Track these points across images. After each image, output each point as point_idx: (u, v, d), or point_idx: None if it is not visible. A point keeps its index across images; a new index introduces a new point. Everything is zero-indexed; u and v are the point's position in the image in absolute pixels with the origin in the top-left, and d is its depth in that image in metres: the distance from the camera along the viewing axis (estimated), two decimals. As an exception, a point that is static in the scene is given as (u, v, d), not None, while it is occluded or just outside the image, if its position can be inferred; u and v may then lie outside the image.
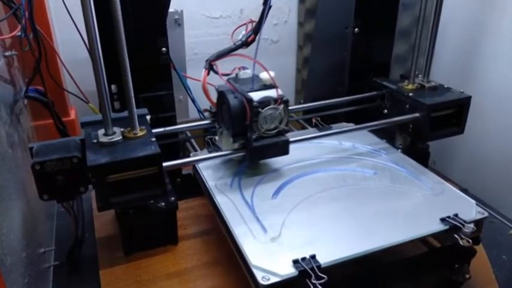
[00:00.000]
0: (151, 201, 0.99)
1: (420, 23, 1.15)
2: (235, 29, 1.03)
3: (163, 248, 1.04)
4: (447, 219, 0.86)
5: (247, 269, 0.79)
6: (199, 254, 1.03)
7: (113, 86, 1.01)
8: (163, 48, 1.05)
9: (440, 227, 0.85)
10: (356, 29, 1.25)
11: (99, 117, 0.91)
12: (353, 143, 1.19)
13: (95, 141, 0.86)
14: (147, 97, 1.06)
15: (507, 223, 1.19)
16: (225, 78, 1.00)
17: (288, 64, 1.91)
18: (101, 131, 0.88)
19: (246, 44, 1.01)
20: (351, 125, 1.25)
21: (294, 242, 0.82)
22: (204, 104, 1.26)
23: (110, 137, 0.86)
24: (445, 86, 1.20)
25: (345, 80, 1.31)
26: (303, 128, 1.35)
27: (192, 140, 1.23)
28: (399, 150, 1.18)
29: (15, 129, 0.93)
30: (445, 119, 1.15)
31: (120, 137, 0.87)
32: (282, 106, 0.96)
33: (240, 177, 1.04)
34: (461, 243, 0.83)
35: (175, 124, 1.11)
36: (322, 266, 0.75)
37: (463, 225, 0.85)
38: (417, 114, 1.12)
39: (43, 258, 0.98)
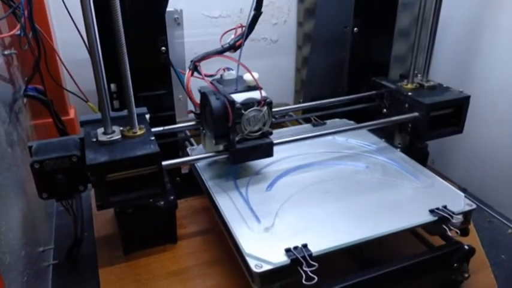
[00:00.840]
0: (151, 200, 0.99)
1: (419, 22, 1.15)
2: (225, 33, 1.03)
3: (163, 247, 1.05)
4: (436, 210, 0.89)
5: (241, 258, 0.81)
6: (198, 253, 1.03)
7: (112, 85, 1.01)
8: (163, 48, 1.05)
9: (429, 217, 0.88)
10: (355, 29, 1.25)
11: (98, 116, 0.91)
12: (346, 138, 1.21)
13: (94, 140, 0.87)
14: (147, 96, 1.06)
15: (506, 222, 1.19)
16: (209, 79, 1.00)
17: (287, 64, 1.91)
18: (100, 130, 0.88)
19: (233, 47, 1.01)
20: (345, 120, 1.25)
21: (286, 231, 0.84)
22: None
23: (109, 136, 0.86)
24: (444, 86, 1.20)
25: (344, 80, 1.32)
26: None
27: (192, 139, 1.23)
28: (398, 150, 1.18)
29: (14, 128, 0.92)
30: (444, 118, 1.15)
31: (120, 136, 0.87)
32: (265, 108, 0.95)
33: (235, 171, 1.05)
34: (450, 234, 0.86)
35: (175, 123, 1.11)
36: (314, 254, 0.77)
37: (452, 217, 0.87)
38: (416, 114, 1.13)
39: (42, 257, 0.98)
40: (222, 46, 1.02)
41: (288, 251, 0.77)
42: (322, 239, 0.81)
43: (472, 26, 1.34)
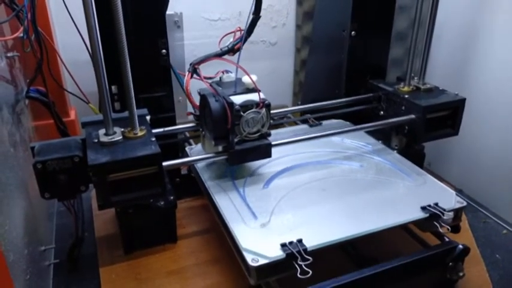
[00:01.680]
0: (151, 200, 1.01)
1: (416, 26, 1.17)
2: (224, 36, 1.05)
3: (163, 247, 1.06)
4: (427, 207, 0.91)
5: (238, 252, 0.83)
6: (197, 253, 1.04)
7: (113, 87, 1.03)
8: (163, 50, 1.06)
9: (421, 214, 0.90)
10: (353, 32, 1.26)
11: (99, 117, 0.92)
12: (341, 138, 1.23)
13: (96, 140, 0.88)
14: (147, 98, 1.08)
15: (501, 223, 1.21)
16: (208, 81, 1.01)
17: (286, 66, 1.93)
18: (102, 131, 0.90)
19: (232, 50, 1.03)
20: (341, 121, 1.27)
21: (282, 227, 0.87)
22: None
23: (110, 137, 0.88)
24: (440, 88, 1.22)
25: (342, 82, 1.33)
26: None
27: (191, 141, 1.25)
28: (395, 151, 1.19)
29: (16, 129, 0.94)
30: (440, 120, 1.17)
31: (121, 137, 0.88)
32: (264, 110, 0.97)
33: (233, 169, 1.07)
34: (441, 231, 0.89)
35: (175, 124, 1.13)
36: (308, 249, 0.79)
37: (443, 214, 0.90)
38: (413, 116, 1.14)
39: (43, 256, 0.99)
40: (221, 49, 1.04)
41: (283, 245, 0.80)
42: (317, 235, 0.83)
43: (467, 30, 1.36)
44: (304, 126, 1.31)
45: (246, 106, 0.95)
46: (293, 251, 0.78)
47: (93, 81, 1.13)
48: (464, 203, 0.94)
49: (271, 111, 1.20)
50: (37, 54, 1.01)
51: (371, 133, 1.26)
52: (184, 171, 1.23)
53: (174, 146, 1.16)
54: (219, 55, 1.03)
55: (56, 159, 0.84)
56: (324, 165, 1.10)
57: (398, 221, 0.89)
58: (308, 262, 0.77)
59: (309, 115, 1.34)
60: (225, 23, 1.69)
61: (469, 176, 1.40)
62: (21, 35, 0.94)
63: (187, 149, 1.17)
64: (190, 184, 1.19)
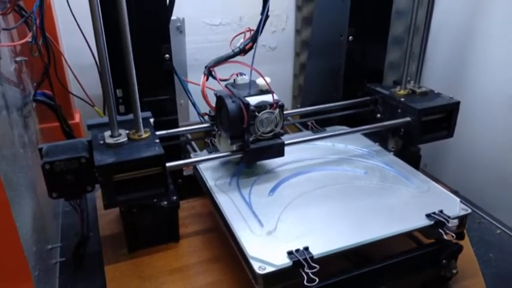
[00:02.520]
0: (155, 200, 1.03)
1: (411, 31, 1.20)
2: (234, 37, 1.08)
3: (165, 246, 1.09)
4: (432, 215, 0.92)
5: (245, 260, 0.83)
6: (199, 251, 1.07)
7: (118, 91, 1.06)
8: (167, 55, 1.09)
9: (426, 222, 0.91)
10: (350, 37, 1.30)
11: (104, 119, 0.96)
12: (345, 145, 1.25)
13: (102, 142, 0.91)
14: (151, 101, 1.11)
15: (495, 223, 1.23)
16: (223, 83, 1.05)
17: (285, 70, 1.96)
18: (107, 133, 0.92)
19: (243, 51, 1.06)
20: (344, 128, 1.30)
21: (288, 235, 0.87)
22: (204, 107, 1.31)
23: (116, 139, 0.91)
24: (436, 92, 1.25)
25: (340, 86, 1.36)
26: (299, 131, 1.40)
27: (193, 142, 1.28)
28: (391, 153, 1.23)
29: (25, 131, 0.97)
30: (435, 123, 1.20)
31: (126, 139, 0.91)
32: (277, 110, 1.01)
33: (238, 176, 1.09)
34: (446, 238, 0.88)
35: (177, 127, 1.16)
36: (315, 257, 0.80)
37: (447, 221, 0.90)
38: (408, 119, 1.17)
39: (50, 254, 1.02)
40: (233, 50, 1.07)
41: (290, 253, 0.80)
42: (323, 242, 0.84)
43: (463, 34, 1.40)
44: (307, 132, 1.32)
45: (261, 107, 0.99)
46: (300, 259, 0.79)
47: (95, 84, 1.16)
48: (469, 210, 0.94)
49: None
50: (44, 58, 1.04)
51: (368, 135, 1.30)
52: (186, 172, 1.26)
53: (176, 147, 1.19)
54: (231, 56, 1.06)
55: (64, 160, 0.87)
56: (329, 172, 1.11)
57: (403, 228, 0.89)
58: (315, 270, 0.77)
59: (308, 118, 1.37)
60: (226, 27, 1.73)
61: (464, 178, 1.43)
62: (30, 40, 0.98)
63: (192, 155, 1.20)
64: (192, 185, 1.22)
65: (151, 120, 1.02)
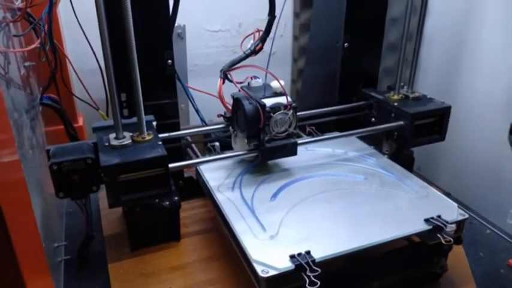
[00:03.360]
0: (157, 200, 1.07)
1: (404, 37, 1.24)
2: (244, 39, 1.12)
3: (167, 244, 1.12)
4: (431, 219, 0.94)
5: (247, 264, 0.86)
6: (200, 250, 1.11)
7: (122, 95, 1.10)
8: (169, 61, 1.14)
9: (424, 226, 0.93)
10: (346, 44, 1.35)
11: (109, 122, 0.99)
12: (345, 150, 1.28)
13: (107, 144, 0.95)
14: (153, 105, 1.14)
15: (485, 223, 1.28)
16: (239, 86, 1.09)
17: (283, 75, 1.97)
18: (112, 135, 0.96)
19: (254, 52, 1.11)
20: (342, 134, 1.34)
21: (290, 239, 0.89)
22: (204, 111, 1.35)
23: (120, 141, 0.95)
24: (428, 97, 1.29)
25: (336, 91, 1.41)
26: (298, 135, 1.44)
27: (193, 145, 1.32)
28: (386, 156, 1.27)
29: (33, 133, 1.01)
30: (428, 127, 1.24)
31: (130, 141, 0.95)
32: (291, 111, 1.06)
33: (240, 180, 1.12)
34: (444, 242, 0.91)
35: (179, 130, 1.20)
36: (317, 260, 0.82)
37: (445, 226, 0.92)
38: (401, 122, 1.22)
39: (56, 252, 1.06)
40: (244, 52, 1.12)
41: (292, 257, 0.82)
42: (324, 246, 0.86)
43: (455, 41, 1.44)
44: (308, 137, 1.35)
45: (275, 108, 1.04)
46: (302, 263, 0.80)
47: (97, 88, 1.20)
48: (466, 215, 0.97)
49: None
50: (51, 63, 1.08)
51: (363, 139, 1.34)
52: (187, 174, 1.30)
53: (178, 149, 1.23)
54: (244, 58, 1.11)
55: (71, 160, 0.90)
56: (329, 178, 1.13)
57: (402, 233, 0.91)
58: (316, 273, 0.79)
59: (305, 122, 1.41)
60: (226, 34, 1.77)
61: (456, 180, 1.47)
62: (38, 45, 1.02)
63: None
64: (192, 187, 1.26)
65: (154, 123, 1.06)
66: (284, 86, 1.06)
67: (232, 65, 1.10)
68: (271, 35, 1.86)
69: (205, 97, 1.22)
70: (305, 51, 1.73)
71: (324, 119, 1.37)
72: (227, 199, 1.04)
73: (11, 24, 0.97)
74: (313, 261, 0.81)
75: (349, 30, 1.34)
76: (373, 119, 1.33)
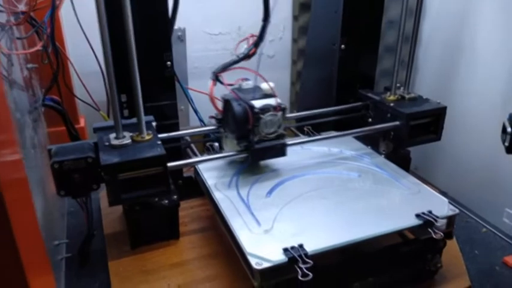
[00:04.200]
0: (156, 199, 1.09)
1: (400, 39, 1.26)
2: (239, 43, 1.15)
3: (166, 242, 1.14)
4: (422, 215, 0.96)
5: (242, 257, 0.88)
6: (199, 248, 1.13)
7: (122, 96, 1.12)
8: (168, 62, 1.16)
9: (415, 221, 0.95)
10: (342, 46, 1.37)
11: (109, 123, 1.01)
12: (340, 149, 1.30)
13: (107, 143, 0.97)
14: (153, 106, 1.16)
15: (481, 222, 1.29)
16: (230, 88, 1.11)
17: (283, 78, 2.02)
18: (112, 135, 0.98)
19: (248, 56, 1.13)
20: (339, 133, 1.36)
21: (284, 233, 0.92)
22: (204, 112, 1.37)
23: (120, 140, 0.97)
24: (424, 97, 1.31)
25: (333, 92, 1.43)
26: (295, 135, 1.46)
27: (192, 145, 1.34)
28: (382, 156, 1.28)
29: (35, 133, 1.03)
30: (423, 127, 1.26)
31: (130, 140, 0.97)
32: (280, 113, 1.08)
33: (237, 178, 1.14)
34: (435, 237, 0.93)
35: (178, 131, 1.22)
36: (309, 253, 0.84)
37: (436, 221, 0.94)
38: (397, 123, 1.23)
39: (57, 250, 1.08)
40: (237, 56, 1.14)
41: (285, 250, 0.85)
42: (317, 240, 0.88)
43: (452, 43, 1.46)
44: (305, 137, 1.36)
45: (265, 109, 1.06)
46: (294, 255, 0.83)
47: (98, 90, 1.22)
48: (457, 211, 0.99)
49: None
50: (53, 65, 1.11)
51: (361, 139, 1.36)
52: (186, 174, 1.32)
53: (177, 150, 1.25)
54: (237, 62, 1.13)
55: (72, 159, 0.92)
56: (324, 175, 1.16)
57: (394, 227, 0.94)
58: (309, 265, 0.81)
59: (304, 123, 1.43)
60: (225, 37, 1.79)
61: (453, 180, 1.49)
62: (41, 48, 1.05)
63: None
64: (191, 186, 1.28)
65: (154, 123, 1.08)
66: (274, 87, 1.08)
67: (224, 68, 1.12)
68: (271, 37, 1.91)
69: (205, 98, 1.24)
70: (303, 54, 1.75)
71: (321, 119, 1.38)
72: (224, 196, 1.06)
73: (14, 27, 0.99)
74: (306, 254, 0.84)
75: (346, 32, 1.36)
76: (370, 120, 1.35)
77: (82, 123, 1.52)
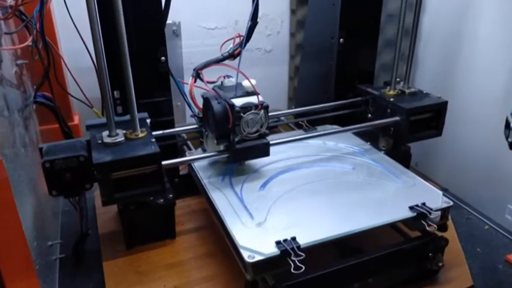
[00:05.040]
0: (151, 198, 1.07)
1: (399, 33, 1.24)
2: (224, 42, 1.11)
3: (162, 242, 1.12)
4: (415, 207, 0.95)
5: (235, 250, 0.87)
6: (195, 247, 1.10)
7: (115, 92, 1.10)
8: (163, 58, 1.13)
9: (409, 214, 0.95)
10: (341, 39, 1.34)
11: (103, 120, 0.99)
12: (335, 143, 1.29)
13: (100, 141, 0.94)
14: (147, 103, 1.14)
15: (483, 219, 1.27)
16: (211, 85, 1.08)
17: (281, 72, 2.00)
18: (105, 133, 0.96)
19: (232, 56, 1.10)
20: (335, 127, 1.34)
21: (277, 226, 0.91)
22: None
23: (113, 138, 0.94)
24: (424, 92, 1.29)
25: (332, 87, 1.40)
26: (293, 131, 1.44)
27: (189, 142, 1.31)
28: (382, 152, 1.26)
29: (26, 131, 1.01)
30: (424, 122, 1.23)
31: (123, 138, 0.94)
32: (262, 111, 1.04)
33: (231, 173, 1.13)
34: (428, 229, 0.92)
35: (174, 128, 1.19)
36: (301, 246, 0.84)
37: (430, 213, 0.94)
38: (397, 118, 1.21)
39: (50, 250, 1.05)
40: (222, 55, 1.11)
41: (278, 243, 0.84)
42: (310, 233, 0.88)
43: (452, 37, 1.44)
44: (300, 131, 1.37)
45: (246, 108, 1.02)
46: (287, 248, 0.82)
47: (93, 86, 1.19)
48: (451, 203, 0.98)
49: (266, 114, 1.28)
50: (44, 61, 1.08)
51: (360, 135, 1.33)
52: (182, 172, 1.29)
53: (172, 147, 1.22)
54: (220, 60, 1.10)
55: (63, 158, 0.90)
56: (318, 169, 1.15)
57: (387, 220, 0.94)
58: (301, 258, 0.81)
59: (302, 119, 1.41)
60: (222, 31, 1.76)
61: (454, 176, 1.46)
62: (30, 43, 1.02)
63: (187, 153, 1.24)
64: (188, 184, 1.25)
65: (148, 120, 1.05)
66: (255, 85, 1.04)
67: (206, 65, 1.09)
68: (268, 32, 1.88)
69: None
70: (301, 48, 1.72)
71: (320, 115, 1.36)
72: (217, 190, 1.05)
73: (2, 21, 0.96)
74: (298, 246, 0.83)
75: (344, 26, 1.33)
76: (369, 115, 1.32)
77: (76, 120, 1.49)
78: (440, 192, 1.02)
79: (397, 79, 1.29)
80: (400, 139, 1.24)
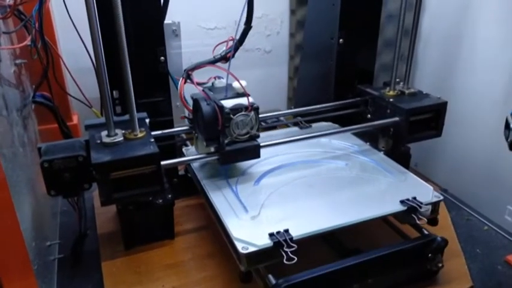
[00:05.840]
0: (150, 198, 1.06)
1: (399, 33, 1.23)
2: (217, 45, 1.11)
3: (161, 242, 1.12)
4: (406, 201, 0.97)
5: (229, 242, 0.89)
6: (194, 248, 1.10)
7: (114, 92, 1.09)
8: (162, 58, 1.13)
9: (399, 207, 0.97)
10: (341, 40, 1.34)
11: (101, 120, 0.98)
12: (329, 139, 1.30)
13: (99, 141, 0.94)
14: (146, 102, 1.14)
15: (483, 220, 1.26)
16: (201, 87, 1.07)
17: (280, 73, 2.00)
18: (104, 133, 0.95)
19: (224, 58, 1.09)
20: (331, 124, 1.34)
21: (270, 219, 0.94)
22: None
23: (112, 138, 0.94)
24: (424, 93, 1.28)
25: (331, 87, 1.40)
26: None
27: (188, 143, 1.31)
28: (382, 152, 1.26)
29: (24, 131, 1.00)
30: (424, 122, 1.23)
31: (122, 138, 0.94)
32: (252, 113, 1.03)
33: (226, 168, 1.14)
34: (418, 223, 0.94)
35: (173, 128, 1.19)
36: (294, 238, 0.86)
37: (420, 207, 0.96)
38: (397, 118, 1.20)
39: (49, 250, 1.05)
40: (214, 57, 1.10)
41: (271, 235, 0.86)
42: (303, 225, 0.90)
43: (452, 38, 1.43)
44: (295, 128, 1.38)
45: (236, 109, 1.02)
46: (280, 240, 0.84)
47: (92, 86, 1.19)
48: (441, 197, 1.01)
49: (265, 115, 1.28)
50: (43, 61, 1.08)
51: (360, 135, 1.33)
52: (181, 172, 1.29)
53: (171, 147, 1.22)
54: (212, 62, 1.09)
55: (62, 158, 0.90)
56: (312, 164, 1.17)
57: (378, 213, 0.96)
58: (293, 249, 0.83)
59: (299, 118, 1.41)
60: (221, 31, 1.76)
61: (454, 177, 1.46)
62: (29, 43, 1.01)
63: (184, 149, 1.25)
64: (187, 184, 1.25)
65: (147, 120, 1.05)
66: (245, 86, 1.03)
67: (197, 66, 1.09)
68: (268, 32, 1.88)
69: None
70: (301, 48, 1.72)
71: (319, 115, 1.36)
72: (213, 184, 1.07)
73: (1, 20, 0.96)
74: (291, 238, 0.85)
75: (344, 26, 1.33)
76: (369, 115, 1.32)
77: (75, 120, 1.49)
78: (431, 187, 1.04)
79: (397, 79, 1.29)
80: (400, 139, 1.24)
